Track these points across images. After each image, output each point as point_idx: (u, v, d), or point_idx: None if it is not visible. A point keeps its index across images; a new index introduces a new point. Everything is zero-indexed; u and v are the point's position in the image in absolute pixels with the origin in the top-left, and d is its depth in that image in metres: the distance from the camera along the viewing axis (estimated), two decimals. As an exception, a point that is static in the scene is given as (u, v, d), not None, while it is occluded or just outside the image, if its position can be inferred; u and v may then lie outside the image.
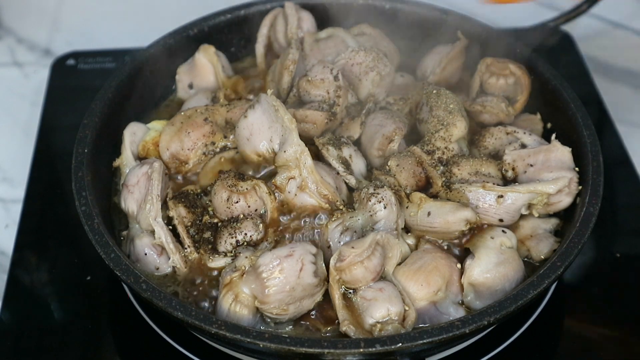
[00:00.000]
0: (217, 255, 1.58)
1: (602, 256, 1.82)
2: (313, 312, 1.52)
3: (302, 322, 1.52)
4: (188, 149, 1.73)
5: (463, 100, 1.79)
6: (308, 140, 1.62)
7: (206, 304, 1.54)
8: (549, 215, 1.66)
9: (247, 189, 1.60)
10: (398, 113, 1.77)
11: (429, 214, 1.56)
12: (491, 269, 1.51)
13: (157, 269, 1.59)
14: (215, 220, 1.63)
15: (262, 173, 1.68)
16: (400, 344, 1.36)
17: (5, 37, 2.47)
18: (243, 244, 1.57)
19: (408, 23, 2.01)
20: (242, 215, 1.60)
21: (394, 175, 1.62)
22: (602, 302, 1.74)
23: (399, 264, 1.53)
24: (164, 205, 1.62)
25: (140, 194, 1.60)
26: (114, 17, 2.55)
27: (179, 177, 1.74)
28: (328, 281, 1.48)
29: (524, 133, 1.71)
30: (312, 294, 1.48)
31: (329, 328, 1.50)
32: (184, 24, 1.98)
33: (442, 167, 1.65)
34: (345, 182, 1.64)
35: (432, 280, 1.50)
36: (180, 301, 1.42)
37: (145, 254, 1.58)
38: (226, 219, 1.61)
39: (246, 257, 1.50)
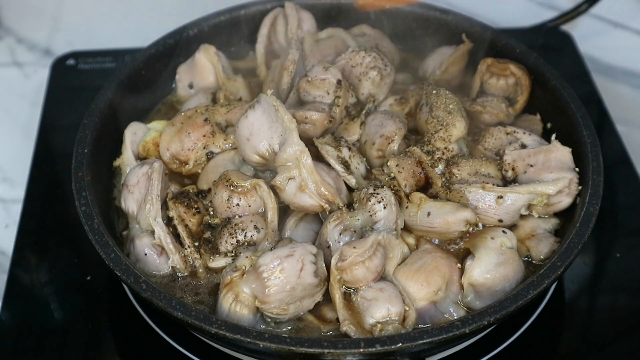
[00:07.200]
0: (217, 255, 1.58)
1: (602, 256, 1.82)
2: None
3: (302, 321, 1.52)
4: (188, 149, 1.73)
5: (463, 101, 1.79)
6: (308, 141, 1.62)
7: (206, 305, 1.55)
8: (549, 215, 1.66)
9: (247, 188, 1.60)
10: (398, 113, 1.77)
11: (428, 214, 1.56)
12: (491, 269, 1.51)
13: (157, 269, 1.59)
14: (216, 220, 1.63)
15: (263, 173, 1.69)
16: (400, 344, 1.36)
17: (5, 37, 2.47)
18: (243, 244, 1.58)
19: (408, 23, 2.01)
20: (242, 215, 1.60)
21: (393, 176, 1.62)
22: (602, 302, 1.74)
23: (399, 264, 1.53)
24: (164, 205, 1.62)
25: (140, 194, 1.60)
26: (114, 17, 2.55)
27: (179, 177, 1.74)
28: (328, 281, 1.48)
29: (524, 133, 1.71)
30: (312, 294, 1.48)
31: (329, 328, 1.50)
32: (184, 24, 1.97)
33: (441, 168, 1.65)
34: (345, 182, 1.64)
35: (432, 280, 1.50)
36: (180, 301, 1.43)
37: (145, 254, 1.58)
38: (226, 218, 1.61)
39: (247, 257, 1.50)
